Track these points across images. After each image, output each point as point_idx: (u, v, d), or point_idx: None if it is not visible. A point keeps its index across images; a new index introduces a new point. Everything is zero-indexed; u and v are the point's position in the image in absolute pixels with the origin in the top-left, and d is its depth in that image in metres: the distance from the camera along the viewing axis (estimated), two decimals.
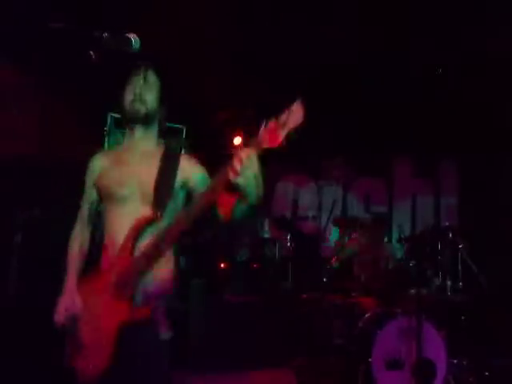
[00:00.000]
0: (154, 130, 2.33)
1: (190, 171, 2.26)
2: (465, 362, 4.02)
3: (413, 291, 3.91)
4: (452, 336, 3.87)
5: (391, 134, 6.31)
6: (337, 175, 6.96)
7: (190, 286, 4.96)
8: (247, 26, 5.01)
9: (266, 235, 6.45)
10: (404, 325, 3.72)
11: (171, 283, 2.21)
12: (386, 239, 5.95)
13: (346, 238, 5.11)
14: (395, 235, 6.12)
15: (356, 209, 6.95)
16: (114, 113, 4.87)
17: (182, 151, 2.35)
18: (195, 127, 5.62)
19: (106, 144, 5.07)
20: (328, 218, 5.13)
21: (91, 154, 2.39)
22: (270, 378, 4.32)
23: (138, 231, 2.13)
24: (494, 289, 4.27)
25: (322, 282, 4.64)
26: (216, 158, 2.29)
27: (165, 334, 2.15)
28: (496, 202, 6.06)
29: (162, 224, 2.13)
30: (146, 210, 2.16)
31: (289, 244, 5.33)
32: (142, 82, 2.25)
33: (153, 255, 2.09)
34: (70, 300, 2.21)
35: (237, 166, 1.93)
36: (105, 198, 2.26)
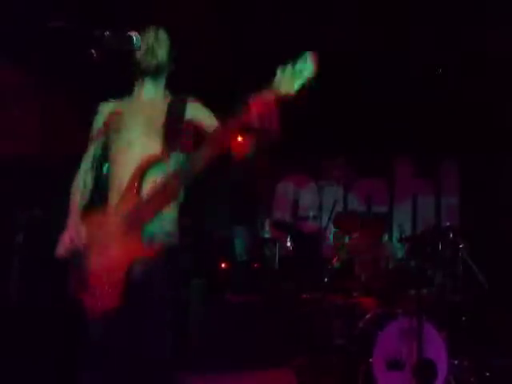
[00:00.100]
0: (162, 84, 2.41)
1: (197, 112, 2.33)
2: (466, 363, 4.01)
3: (413, 291, 3.91)
4: (453, 336, 3.86)
5: (392, 134, 6.31)
6: (337, 175, 6.95)
7: (190, 286, 4.96)
8: (246, 25, 5.01)
9: (266, 235, 6.45)
10: (405, 325, 3.71)
11: (176, 229, 2.25)
12: (386, 239, 5.96)
13: (347, 238, 5.11)
14: (396, 235, 6.12)
15: (357, 209, 6.95)
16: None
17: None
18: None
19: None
20: (329, 218, 5.12)
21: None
22: (271, 378, 4.32)
23: (144, 169, 2.18)
24: (494, 289, 4.27)
25: (323, 282, 4.64)
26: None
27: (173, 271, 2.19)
28: (497, 202, 6.07)
29: (170, 164, 2.18)
30: (154, 151, 2.22)
31: (289, 244, 5.33)
32: (153, 37, 2.33)
33: (162, 199, 2.13)
34: (74, 232, 2.22)
35: (255, 107, 1.96)
36: (113, 139, 2.30)
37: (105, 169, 2.41)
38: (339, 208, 6.68)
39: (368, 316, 4.10)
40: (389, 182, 7.01)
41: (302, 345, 4.66)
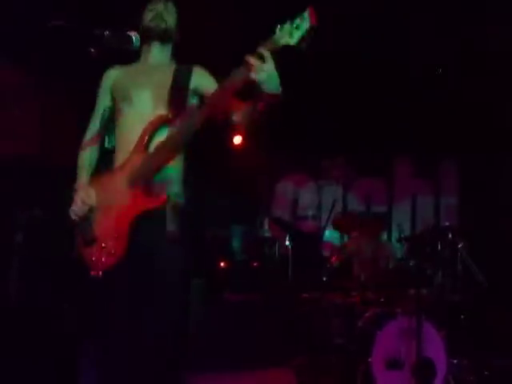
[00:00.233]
0: (169, 51, 2.46)
1: (203, 80, 2.37)
2: (465, 362, 4.02)
3: (412, 291, 3.91)
4: (452, 336, 3.87)
5: (391, 134, 6.32)
6: (337, 175, 6.96)
7: (190, 286, 4.96)
8: (246, 21, 5.01)
9: (266, 234, 6.46)
10: (404, 324, 3.72)
11: (181, 184, 2.29)
12: (385, 238, 5.97)
13: (346, 238, 5.11)
14: (395, 235, 6.13)
15: (356, 209, 6.95)
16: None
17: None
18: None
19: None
20: (328, 218, 5.13)
21: None
22: (270, 378, 4.32)
23: (152, 129, 2.21)
24: (493, 288, 4.27)
25: (322, 282, 4.64)
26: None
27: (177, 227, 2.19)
28: (496, 202, 6.07)
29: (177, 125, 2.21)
30: (160, 110, 2.26)
31: (288, 243, 5.33)
32: (162, 5, 2.39)
33: (166, 152, 2.18)
34: (84, 193, 2.27)
35: (254, 62, 1.99)
36: (120, 100, 2.34)
37: (110, 141, 2.44)
38: (338, 208, 6.69)
39: (367, 315, 4.10)
40: (388, 182, 7.01)
41: (301, 344, 4.66)
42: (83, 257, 2.22)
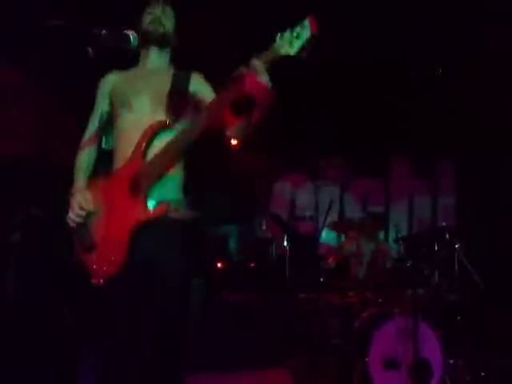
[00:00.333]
0: (167, 55, 2.45)
1: (200, 86, 2.37)
2: (461, 362, 4.02)
3: (409, 291, 3.92)
4: (448, 336, 3.88)
5: (389, 134, 6.32)
6: (334, 175, 6.97)
7: (190, 293, 4.94)
8: (246, 26, 5.01)
9: (263, 235, 6.45)
10: (401, 325, 3.72)
11: (181, 191, 2.29)
12: (382, 238, 5.97)
13: (343, 237, 5.12)
14: (392, 235, 6.13)
15: (353, 209, 6.96)
16: None
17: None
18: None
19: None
20: (325, 218, 5.14)
21: None
22: (267, 378, 4.32)
23: (150, 135, 2.21)
24: (490, 289, 4.28)
25: (319, 282, 4.64)
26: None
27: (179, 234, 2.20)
28: (493, 202, 6.08)
29: (175, 130, 2.21)
30: (158, 116, 2.26)
31: (285, 244, 5.33)
32: (160, 10, 2.37)
33: (166, 160, 2.17)
34: (82, 197, 2.24)
35: (248, 75, 1.99)
36: (118, 106, 2.33)
37: (107, 142, 2.43)
38: (335, 208, 6.69)
39: (364, 315, 4.11)
40: (385, 182, 7.02)
41: (299, 344, 4.66)
42: (83, 263, 2.21)
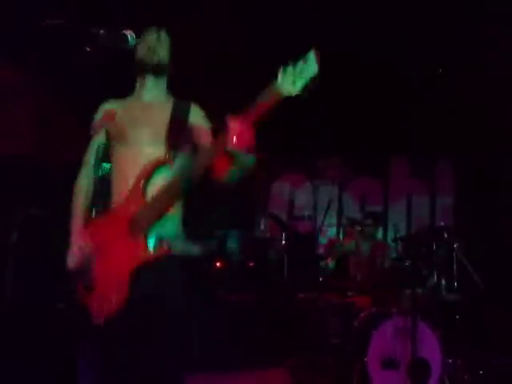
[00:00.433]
0: (164, 84, 2.40)
1: (197, 117, 2.33)
2: (459, 362, 4.03)
3: (408, 291, 3.92)
4: (447, 335, 3.88)
5: (388, 134, 6.32)
6: (332, 175, 6.97)
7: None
8: (243, 20, 5.02)
9: (262, 234, 6.45)
10: (399, 324, 3.73)
11: (181, 231, 2.25)
12: (380, 237, 5.97)
13: (342, 235, 5.13)
14: (391, 235, 6.14)
15: (352, 209, 6.96)
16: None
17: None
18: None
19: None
20: (324, 217, 5.14)
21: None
22: (265, 378, 4.32)
23: (149, 172, 2.17)
24: (489, 288, 4.28)
25: (318, 282, 4.64)
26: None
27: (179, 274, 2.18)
28: (492, 202, 6.08)
29: (174, 166, 2.18)
30: (157, 150, 2.21)
31: (284, 243, 5.34)
32: (155, 38, 2.32)
33: (165, 200, 2.13)
34: (81, 240, 2.21)
35: (231, 139, 1.94)
36: (115, 139, 2.29)
37: (105, 169, 2.40)
38: (334, 208, 6.70)
39: (363, 315, 4.11)
40: (384, 182, 7.02)
41: (297, 344, 4.67)
42: (84, 303, 2.17)
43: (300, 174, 7.20)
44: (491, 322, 4.80)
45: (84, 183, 2.34)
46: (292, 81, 1.89)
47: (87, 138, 2.37)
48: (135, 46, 2.25)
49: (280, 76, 1.91)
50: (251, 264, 5.94)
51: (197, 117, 2.34)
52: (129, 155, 2.23)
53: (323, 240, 6.00)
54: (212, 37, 4.94)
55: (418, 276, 4.14)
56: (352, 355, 3.93)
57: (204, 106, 2.37)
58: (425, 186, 6.92)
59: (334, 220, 6.95)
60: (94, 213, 2.33)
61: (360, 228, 4.94)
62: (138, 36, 2.23)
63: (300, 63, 1.90)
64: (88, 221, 2.28)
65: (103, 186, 2.34)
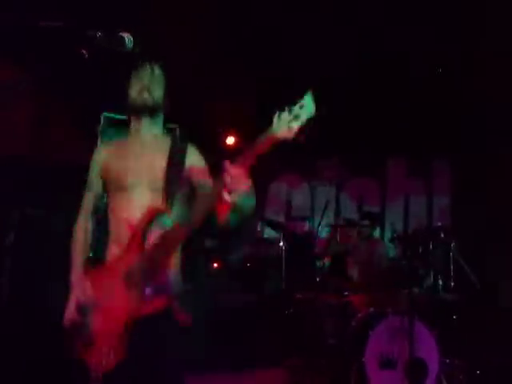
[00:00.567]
0: (160, 122, 2.33)
1: (194, 159, 2.27)
2: (456, 361, 4.04)
3: (405, 290, 3.93)
4: (444, 335, 3.89)
5: (385, 135, 6.33)
6: (329, 175, 6.98)
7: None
8: (244, 23, 5.02)
9: (260, 235, 6.46)
10: (396, 324, 3.73)
11: (178, 278, 2.21)
12: (378, 236, 5.98)
13: (338, 234, 5.13)
14: (388, 234, 6.15)
15: (349, 209, 6.96)
16: (108, 113, 4.87)
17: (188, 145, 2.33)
18: (189, 127, 5.63)
19: (99, 144, 5.06)
20: (321, 218, 5.15)
21: (84, 153, 2.38)
22: (264, 378, 4.33)
23: (147, 222, 2.12)
24: (485, 288, 4.30)
25: (315, 282, 4.65)
26: (209, 159, 2.31)
27: (178, 324, 2.13)
28: (488, 201, 6.09)
29: (172, 215, 2.13)
30: (154, 198, 2.17)
31: (281, 244, 5.34)
32: (149, 74, 2.25)
33: (163, 251, 2.07)
34: (80, 292, 2.18)
35: (228, 184, 1.89)
36: (112, 187, 2.24)
37: (102, 215, 2.34)
38: (331, 208, 6.70)
39: (360, 315, 4.12)
40: (381, 182, 7.03)
41: (295, 345, 4.67)
42: (83, 357, 2.14)
43: (297, 174, 7.20)
44: (488, 321, 4.81)
45: (81, 232, 2.31)
46: (287, 126, 1.85)
47: (85, 139, 2.36)
48: (129, 82, 2.21)
49: (275, 121, 1.87)
50: (249, 265, 5.94)
51: (193, 158, 2.27)
52: (125, 201, 2.18)
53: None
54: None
55: (415, 276, 4.15)
56: (350, 355, 3.94)
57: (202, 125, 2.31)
58: (422, 187, 6.93)
59: (331, 220, 6.96)
60: (92, 262, 2.30)
61: (357, 229, 4.95)
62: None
63: (296, 107, 1.86)
64: (87, 269, 2.25)
65: (101, 234, 2.30)
